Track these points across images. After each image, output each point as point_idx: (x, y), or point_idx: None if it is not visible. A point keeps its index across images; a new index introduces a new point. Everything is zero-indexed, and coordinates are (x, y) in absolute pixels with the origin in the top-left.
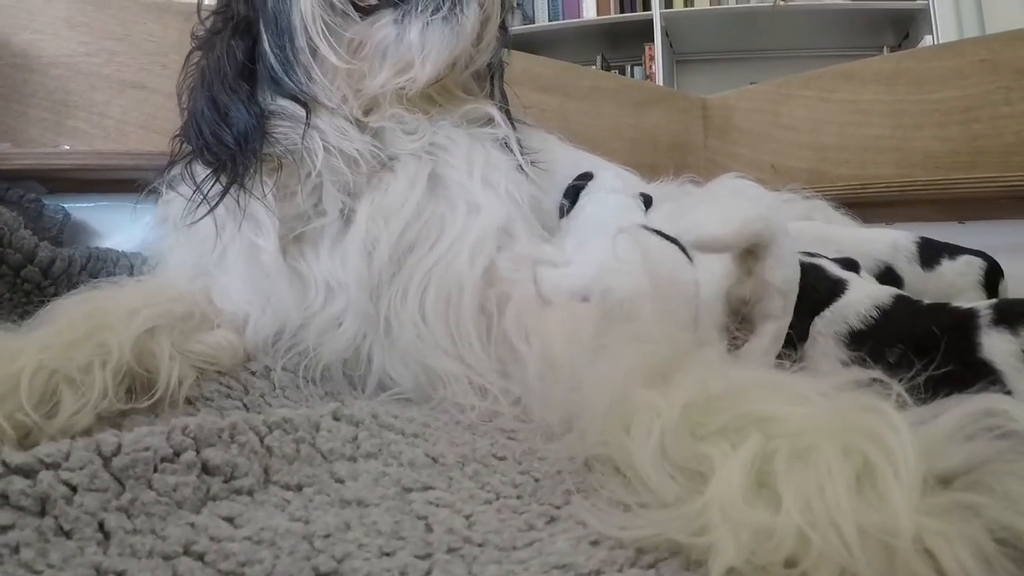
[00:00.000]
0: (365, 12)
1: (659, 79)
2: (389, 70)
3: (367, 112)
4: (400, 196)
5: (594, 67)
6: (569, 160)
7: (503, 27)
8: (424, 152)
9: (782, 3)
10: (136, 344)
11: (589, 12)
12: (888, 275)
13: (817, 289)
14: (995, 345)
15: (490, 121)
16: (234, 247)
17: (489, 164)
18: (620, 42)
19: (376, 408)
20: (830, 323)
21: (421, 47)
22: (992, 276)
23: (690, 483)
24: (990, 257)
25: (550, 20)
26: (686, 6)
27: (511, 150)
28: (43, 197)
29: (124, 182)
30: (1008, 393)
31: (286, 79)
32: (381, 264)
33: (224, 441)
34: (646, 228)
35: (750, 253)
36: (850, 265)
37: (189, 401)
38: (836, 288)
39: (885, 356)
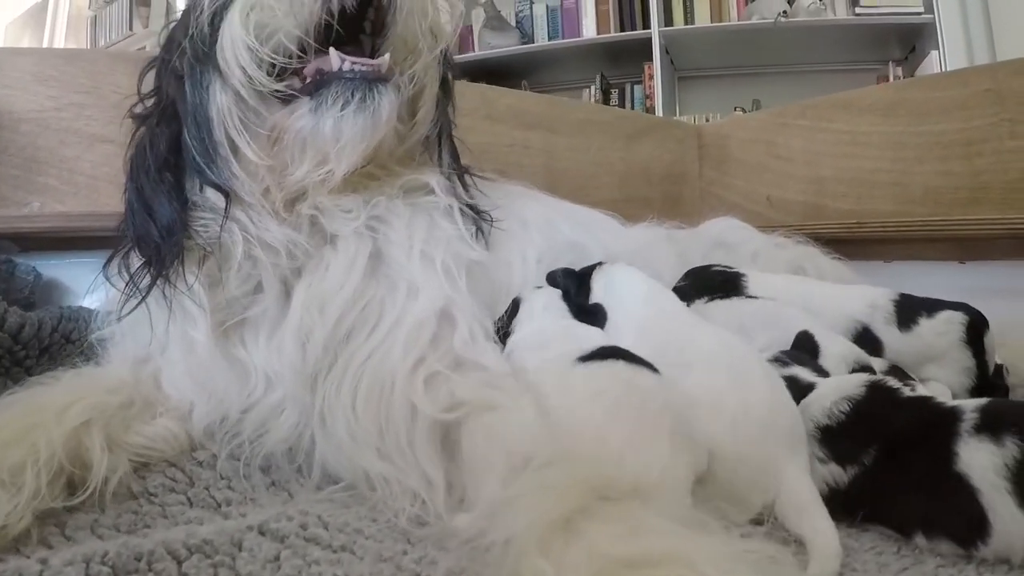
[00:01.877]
0: (285, 101)
1: (658, 98)
2: (309, 162)
3: (294, 201)
4: (338, 279)
5: (593, 86)
6: (540, 215)
7: (445, 88)
8: (365, 228)
9: (783, 19)
10: (69, 440)
11: (589, 31)
12: (865, 336)
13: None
14: (973, 457)
15: (442, 191)
16: (172, 336)
17: (430, 237)
18: (620, 61)
19: (308, 517)
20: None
21: (335, 140)
22: (975, 331)
23: None
24: (973, 310)
25: (550, 39)
26: (687, 23)
27: (466, 220)
28: (16, 256)
29: (98, 239)
30: (984, 516)
31: (207, 171)
32: (316, 354)
33: (141, 570)
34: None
35: None
36: (804, 342)
37: (134, 496)
38: (804, 392)
39: (860, 457)
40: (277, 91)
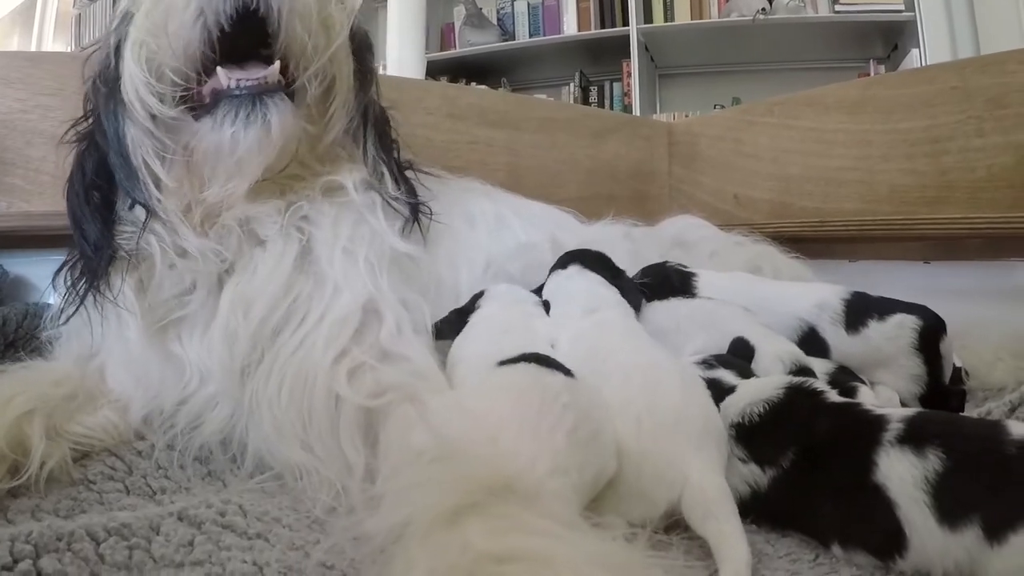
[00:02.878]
0: (197, 120)
1: (635, 96)
2: (219, 178)
3: (217, 213)
4: (264, 279)
5: (572, 84)
6: (490, 212)
7: (364, 79)
8: (294, 228)
9: (762, 17)
10: (11, 428)
11: (570, 28)
12: (811, 337)
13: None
14: (893, 468)
15: (359, 188)
16: (111, 336)
17: (355, 234)
18: (600, 58)
19: (229, 505)
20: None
21: (231, 156)
22: (929, 336)
23: None
24: (929, 314)
25: (531, 36)
26: (667, 20)
27: (395, 214)
28: None
29: (63, 237)
30: (901, 529)
31: (131, 192)
32: (243, 352)
33: (61, 549)
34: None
35: None
36: (739, 348)
37: (74, 483)
38: (727, 394)
39: (778, 459)
40: (174, 118)
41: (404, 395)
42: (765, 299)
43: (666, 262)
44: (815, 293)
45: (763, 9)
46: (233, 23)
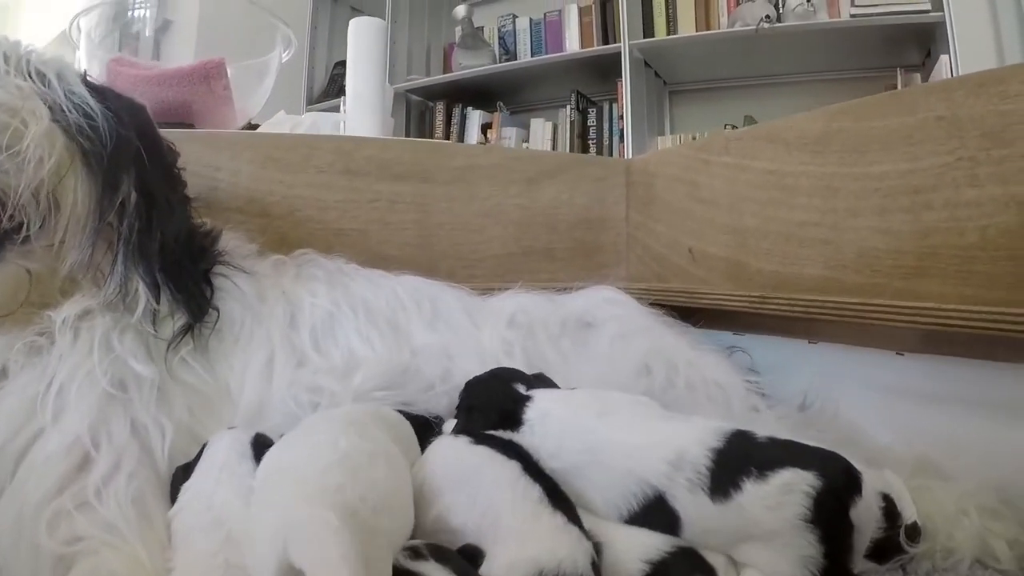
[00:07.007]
0: None
1: (628, 117)
2: None
3: None
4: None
5: (569, 106)
6: (321, 309)
7: (109, 192)
8: (37, 359)
9: (766, 25)
10: None
11: (572, 45)
12: (657, 507)
13: None
14: None
15: (117, 306)
16: None
17: (85, 364)
18: (605, 77)
19: None
20: None
21: None
22: (831, 505)
23: None
24: (837, 468)
25: (533, 55)
26: (669, 33)
27: (145, 334)
28: None
29: None
30: None
31: None
32: None
33: None
34: None
35: None
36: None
37: None
38: None
39: None
40: None
41: (88, 548)
42: (600, 448)
43: (492, 383)
44: (675, 440)
45: (767, 16)
46: None
